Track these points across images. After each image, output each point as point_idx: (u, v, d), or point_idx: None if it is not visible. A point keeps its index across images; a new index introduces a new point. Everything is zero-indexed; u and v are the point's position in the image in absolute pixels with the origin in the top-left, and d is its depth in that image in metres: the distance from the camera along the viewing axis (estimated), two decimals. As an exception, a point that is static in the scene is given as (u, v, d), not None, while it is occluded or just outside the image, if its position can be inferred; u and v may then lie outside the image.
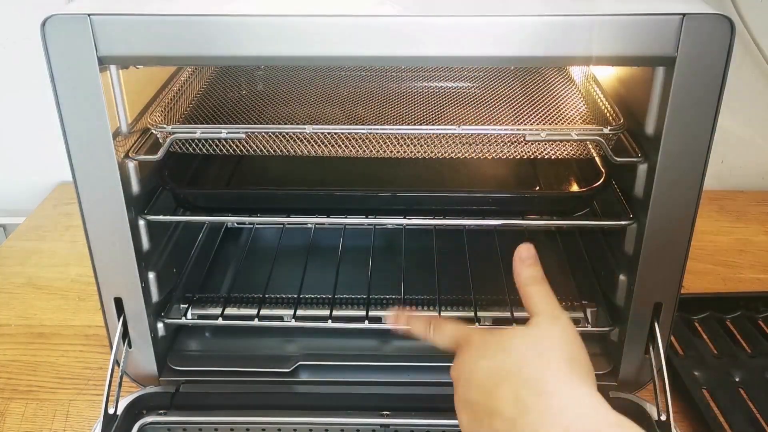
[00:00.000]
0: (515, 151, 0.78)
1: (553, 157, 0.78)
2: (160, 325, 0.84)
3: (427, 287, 0.94)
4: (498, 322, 0.87)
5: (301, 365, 0.85)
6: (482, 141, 0.78)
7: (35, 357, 0.94)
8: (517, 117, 0.83)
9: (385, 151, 0.78)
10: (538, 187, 0.92)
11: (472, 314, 0.87)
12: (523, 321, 0.84)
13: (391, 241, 1.02)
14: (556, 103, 0.86)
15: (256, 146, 0.78)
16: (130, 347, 0.81)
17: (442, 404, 0.81)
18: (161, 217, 0.79)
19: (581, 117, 0.83)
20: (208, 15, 0.63)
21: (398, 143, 0.77)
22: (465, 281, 0.95)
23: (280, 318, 0.87)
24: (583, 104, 0.86)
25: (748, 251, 1.18)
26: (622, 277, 0.80)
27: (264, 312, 0.87)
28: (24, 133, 1.35)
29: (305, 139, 0.77)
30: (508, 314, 0.87)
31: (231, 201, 0.87)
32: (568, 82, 0.94)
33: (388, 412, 0.79)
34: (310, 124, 0.76)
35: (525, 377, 0.55)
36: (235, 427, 0.79)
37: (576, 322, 0.87)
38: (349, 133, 0.76)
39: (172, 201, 0.83)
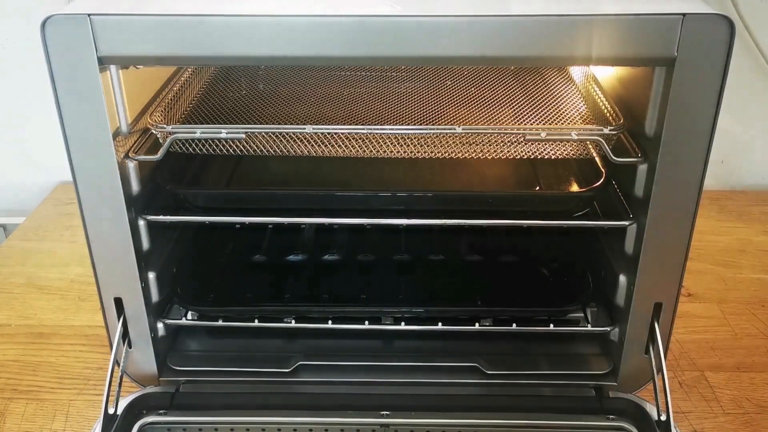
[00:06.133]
0: (515, 151, 0.78)
1: (553, 157, 0.78)
2: (160, 326, 0.84)
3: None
4: (498, 322, 0.87)
5: (301, 365, 0.85)
6: (482, 141, 0.78)
7: (35, 357, 0.94)
8: (517, 117, 0.83)
9: (385, 151, 0.77)
10: (538, 187, 0.92)
11: (471, 314, 0.87)
12: (524, 320, 0.86)
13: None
14: (556, 103, 0.86)
15: (256, 146, 0.78)
16: (130, 347, 0.81)
17: (442, 404, 0.81)
18: (161, 217, 0.79)
19: (581, 117, 0.83)
20: (208, 15, 0.63)
21: (398, 143, 0.77)
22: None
23: (281, 320, 0.87)
24: (583, 104, 0.86)
25: (748, 251, 1.18)
26: (622, 277, 0.80)
27: (265, 314, 0.87)
28: (24, 133, 1.35)
29: (305, 139, 0.77)
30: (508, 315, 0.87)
31: (231, 201, 0.87)
32: (568, 82, 0.94)
33: (388, 412, 0.79)
34: (311, 124, 0.76)
35: None
36: (235, 427, 0.79)
37: (576, 322, 0.87)
38: (349, 133, 0.76)
39: (172, 201, 0.83)
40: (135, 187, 0.76)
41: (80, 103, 0.67)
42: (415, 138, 0.77)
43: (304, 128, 0.75)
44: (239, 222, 0.94)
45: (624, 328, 0.80)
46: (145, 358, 0.82)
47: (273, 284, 0.95)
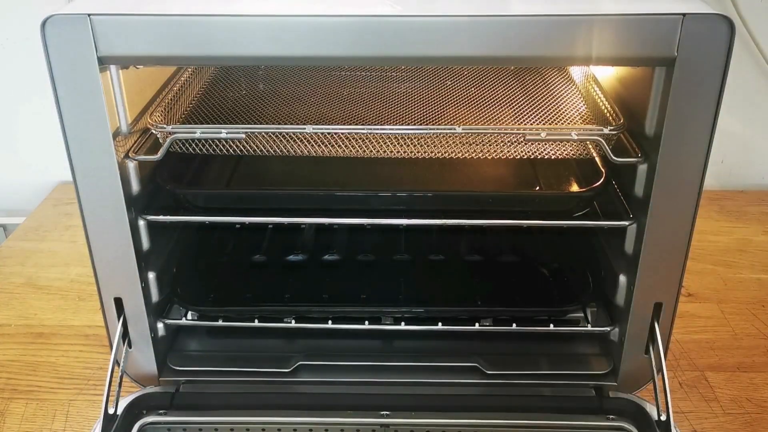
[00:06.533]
0: (515, 151, 0.78)
1: (553, 157, 0.78)
2: (160, 325, 0.84)
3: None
4: (498, 322, 0.87)
5: (301, 365, 0.85)
6: (482, 141, 0.78)
7: (35, 357, 0.94)
8: (517, 117, 0.83)
9: (385, 151, 0.77)
10: (538, 187, 0.92)
11: (471, 314, 0.87)
12: (524, 320, 0.86)
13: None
14: (556, 103, 0.86)
15: (256, 146, 0.78)
16: (130, 347, 0.81)
17: (442, 404, 0.81)
18: (161, 217, 0.79)
19: (581, 117, 0.83)
20: (208, 15, 0.63)
21: (398, 143, 0.77)
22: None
23: (281, 320, 0.87)
24: (583, 104, 0.86)
25: (748, 251, 1.18)
26: (622, 277, 0.80)
27: (264, 314, 0.87)
28: (24, 133, 1.35)
29: (305, 139, 0.77)
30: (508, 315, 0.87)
31: (231, 201, 0.87)
32: (568, 82, 0.94)
33: (388, 412, 0.79)
34: (311, 124, 0.76)
35: None
36: (235, 427, 0.79)
37: (576, 322, 0.87)
38: (349, 133, 0.76)
39: (172, 201, 0.83)
40: (135, 187, 0.76)
41: (80, 103, 0.67)
42: (415, 138, 0.77)
43: (304, 128, 0.75)
44: (239, 222, 0.94)
45: (624, 328, 0.80)
46: (145, 358, 0.82)
47: (273, 284, 0.95)
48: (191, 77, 0.93)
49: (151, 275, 0.80)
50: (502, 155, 0.78)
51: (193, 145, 0.77)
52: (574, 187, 0.89)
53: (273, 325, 0.87)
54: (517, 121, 0.82)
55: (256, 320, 0.86)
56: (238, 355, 0.87)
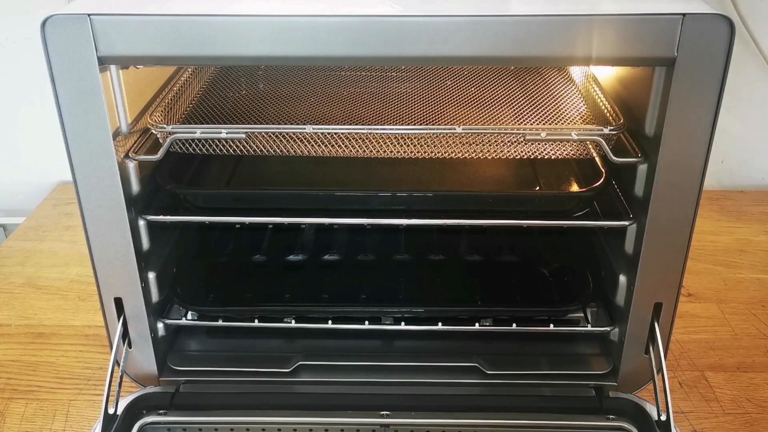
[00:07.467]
0: (515, 151, 0.78)
1: (553, 157, 0.78)
2: (160, 325, 0.84)
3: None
4: (498, 322, 0.87)
5: (301, 365, 0.85)
6: (482, 141, 0.78)
7: (35, 357, 0.94)
8: (517, 117, 0.83)
9: (385, 151, 0.77)
10: (538, 187, 0.92)
11: (471, 314, 0.87)
12: (524, 320, 0.86)
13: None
14: (556, 103, 0.86)
15: (256, 146, 0.78)
16: (130, 347, 0.81)
17: (442, 404, 0.81)
18: (161, 217, 0.79)
19: (581, 117, 0.83)
20: (208, 15, 0.63)
21: (398, 143, 0.77)
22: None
23: (281, 320, 0.87)
24: (583, 104, 0.86)
25: (748, 251, 1.18)
26: (622, 277, 0.80)
27: (264, 314, 0.87)
28: (24, 133, 1.35)
29: (305, 139, 0.77)
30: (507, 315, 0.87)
31: (231, 201, 0.87)
32: (568, 82, 0.94)
33: (388, 412, 0.79)
34: (311, 124, 0.76)
35: None
36: (235, 427, 0.79)
37: (576, 322, 0.87)
38: (349, 133, 0.76)
39: (172, 201, 0.83)
40: (135, 187, 0.76)
41: (80, 103, 0.67)
42: (415, 138, 0.77)
43: (304, 128, 0.75)
44: (239, 222, 0.94)
45: (624, 328, 0.80)
46: (145, 358, 0.82)
47: (273, 284, 0.95)
48: (191, 77, 0.93)
49: (151, 275, 0.80)
50: (502, 155, 0.78)
51: (193, 145, 0.77)
52: (574, 187, 0.89)
53: (273, 325, 0.87)
54: (517, 121, 0.82)
55: (256, 320, 0.86)
56: (238, 355, 0.87)
